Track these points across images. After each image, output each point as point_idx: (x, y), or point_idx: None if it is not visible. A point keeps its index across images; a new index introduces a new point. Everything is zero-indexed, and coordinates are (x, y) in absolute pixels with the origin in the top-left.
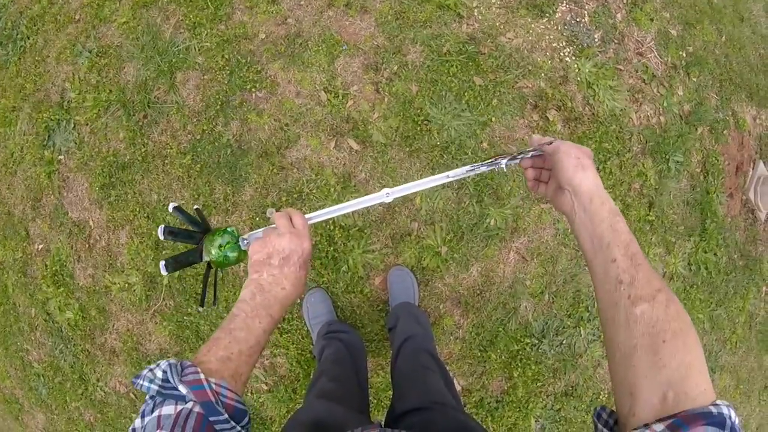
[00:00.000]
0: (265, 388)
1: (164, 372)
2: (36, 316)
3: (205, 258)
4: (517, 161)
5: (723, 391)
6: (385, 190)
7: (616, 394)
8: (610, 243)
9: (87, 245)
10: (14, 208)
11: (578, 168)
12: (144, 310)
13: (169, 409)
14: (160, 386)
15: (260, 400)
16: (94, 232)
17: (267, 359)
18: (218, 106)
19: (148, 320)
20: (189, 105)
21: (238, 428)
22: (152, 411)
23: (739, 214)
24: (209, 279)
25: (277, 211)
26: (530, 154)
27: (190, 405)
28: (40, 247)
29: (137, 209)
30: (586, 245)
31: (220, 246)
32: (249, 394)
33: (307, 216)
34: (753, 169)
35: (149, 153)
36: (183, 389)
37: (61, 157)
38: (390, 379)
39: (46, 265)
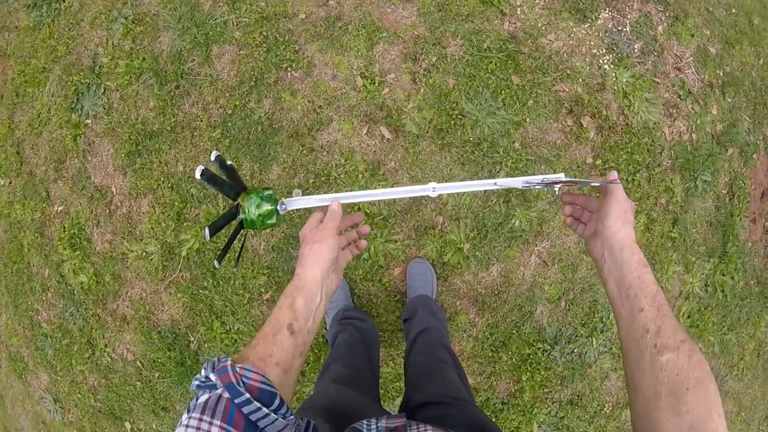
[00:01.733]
0: None
1: (204, 368)
2: (49, 277)
3: (240, 216)
4: (577, 185)
5: (725, 416)
6: (432, 184)
7: (636, 429)
8: (638, 293)
9: (107, 211)
10: (36, 168)
11: (620, 219)
12: (159, 280)
13: (203, 398)
14: (201, 382)
15: None
16: (116, 199)
17: None
18: (252, 83)
19: (162, 290)
20: (223, 79)
21: (270, 413)
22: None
23: (760, 240)
24: (236, 241)
25: (303, 193)
26: (591, 183)
27: (219, 391)
28: (60, 209)
29: (162, 179)
30: (614, 292)
31: (258, 206)
32: None
33: (349, 195)
34: None
35: (178, 124)
36: (213, 377)
37: (89, 121)
38: (403, 370)
39: (64, 228)
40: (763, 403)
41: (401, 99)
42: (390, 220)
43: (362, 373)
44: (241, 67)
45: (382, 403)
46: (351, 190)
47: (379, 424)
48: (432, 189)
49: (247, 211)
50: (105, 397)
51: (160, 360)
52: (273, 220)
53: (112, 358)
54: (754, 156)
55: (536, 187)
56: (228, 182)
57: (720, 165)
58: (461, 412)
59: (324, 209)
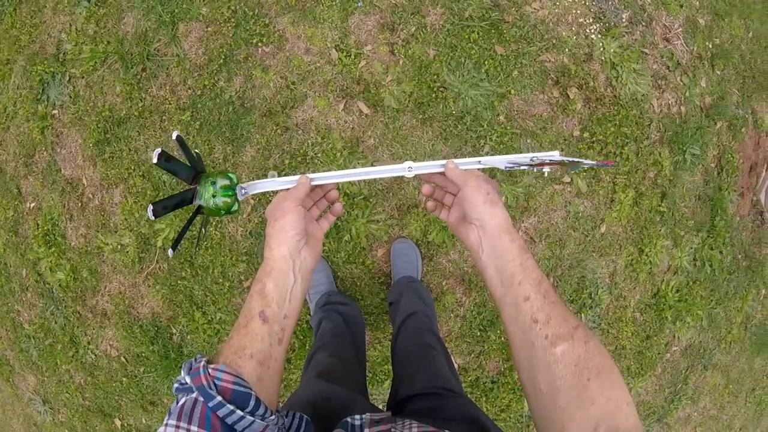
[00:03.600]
0: None
1: (183, 369)
2: (27, 276)
3: (197, 201)
4: (568, 166)
5: (712, 389)
6: (408, 163)
7: None
8: (522, 281)
9: (80, 204)
10: (6, 164)
11: (487, 203)
12: (137, 273)
13: (181, 402)
14: (180, 384)
15: None
16: (88, 191)
17: None
18: (221, 60)
19: (140, 283)
20: (190, 58)
21: (245, 416)
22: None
23: (748, 214)
24: (199, 225)
25: (279, 174)
26: (584, 163)
27: (194, 394)
28: (32, 205)
29: (132, 167)
30: (494, 282)
31: (214, 191)
32: None
33: (321, 175)
34: (766, 170)
35: (146, 108)
36: (188, 380)
37: (55, 111)
38: (390, 356)
39: (38, 225)
40: (749, 375)
41: (379, 72)
42: (371, 200)
43: (348, 362)
44: (209, 45)
45: (370, 387)
46: (329, 169)
47: (363, 419)
48: (408, 168)
49: (203, 196)
50: (92, 395)
51: (143, 354)
52: (235, 207)
53: (96, 355)
54: (743, 130)
55: (522, 167)
56: (183, 165)
57: (708, 138)
58: (452, 404)
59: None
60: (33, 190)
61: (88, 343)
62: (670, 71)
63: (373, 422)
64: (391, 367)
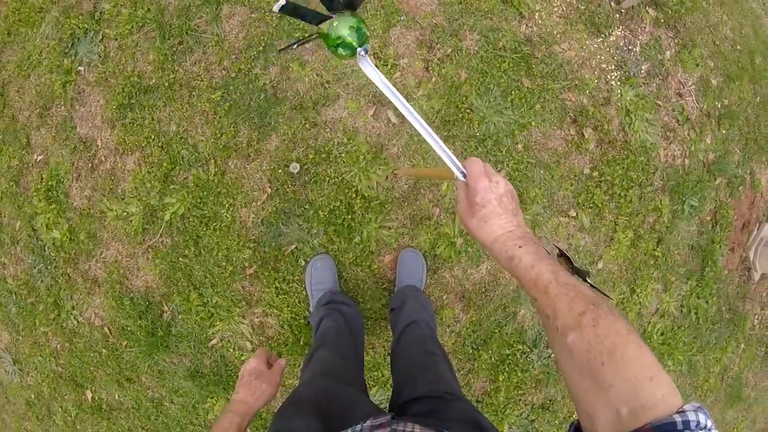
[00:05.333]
0: (249, 346)
1: None
2: (20, 229)
3: (322, 26)
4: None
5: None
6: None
7: (578, 414)
8: (523, 285)
9: (90, 165)
10: (20, 112)
11: (480, 221)
12: (138, 244)
13: None
14: None
15: (242, 359)
16: (100, 153)
17: (257, 317)
18: (261, 48)
19: (139, 255)
20: (230, 40)
21: None
22: None
23: (736, 269)
24: (304, 41)
25: (301, 167)
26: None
27: None
28: (39, 158)
29: (152, 136)
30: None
31: (350, 29)
32: (230, 351)
33: (396, 95)
34: (758, 230)
35: (177, 81)
36: None
37: (81, 68)
38: (390, 363)
39: (42, 178)
40: (721, 427)
41: (412, 85)
42: (386, 206)
43: (350, 362)
44: (250, 31)
45: None
46: (350, 170)
47: (363, 427)
48: (461, 173)
49: (333, 26)
50: (67, 362)
51: (129, 328)
52: (347, 51)
53: (78, 322)
54: (740, 188)
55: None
56: (311, 10)
57: (707, 192)
58: (454, 407)
59: (262, 355)
60: (43, 143)
61: (72, 308)
62: (679, 125)
63: (373, 428)
64: (380, 374)
